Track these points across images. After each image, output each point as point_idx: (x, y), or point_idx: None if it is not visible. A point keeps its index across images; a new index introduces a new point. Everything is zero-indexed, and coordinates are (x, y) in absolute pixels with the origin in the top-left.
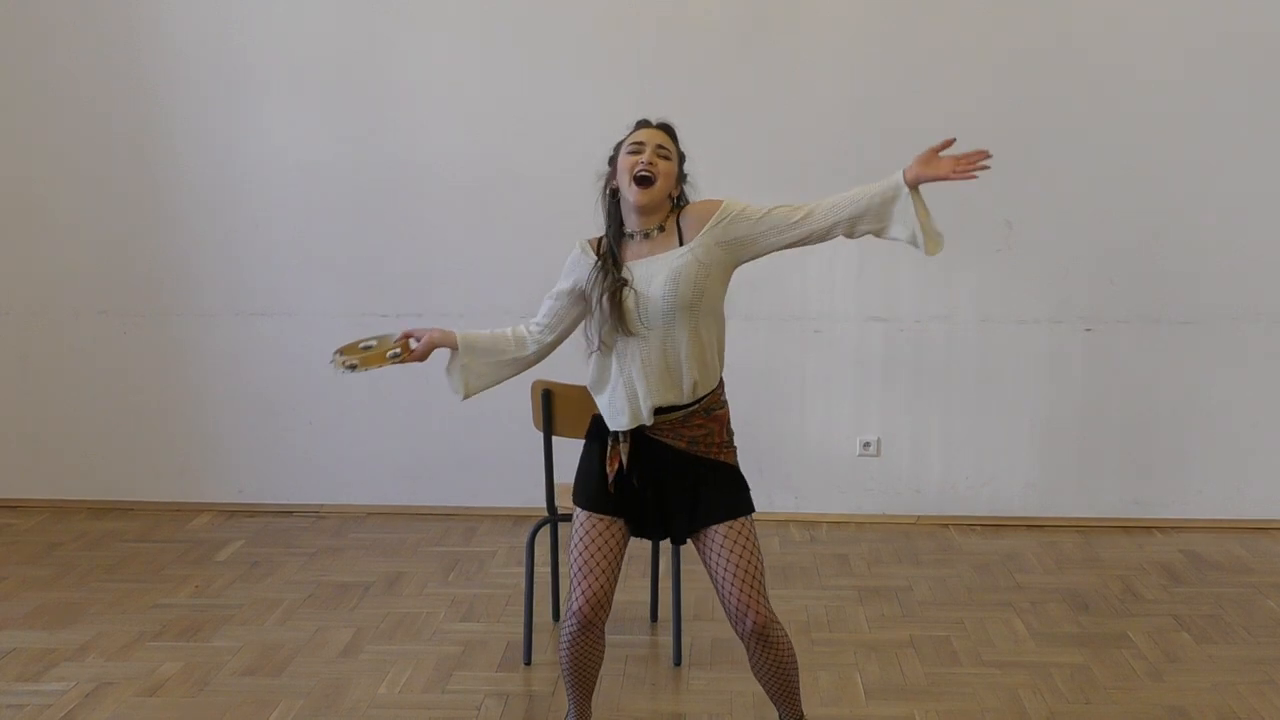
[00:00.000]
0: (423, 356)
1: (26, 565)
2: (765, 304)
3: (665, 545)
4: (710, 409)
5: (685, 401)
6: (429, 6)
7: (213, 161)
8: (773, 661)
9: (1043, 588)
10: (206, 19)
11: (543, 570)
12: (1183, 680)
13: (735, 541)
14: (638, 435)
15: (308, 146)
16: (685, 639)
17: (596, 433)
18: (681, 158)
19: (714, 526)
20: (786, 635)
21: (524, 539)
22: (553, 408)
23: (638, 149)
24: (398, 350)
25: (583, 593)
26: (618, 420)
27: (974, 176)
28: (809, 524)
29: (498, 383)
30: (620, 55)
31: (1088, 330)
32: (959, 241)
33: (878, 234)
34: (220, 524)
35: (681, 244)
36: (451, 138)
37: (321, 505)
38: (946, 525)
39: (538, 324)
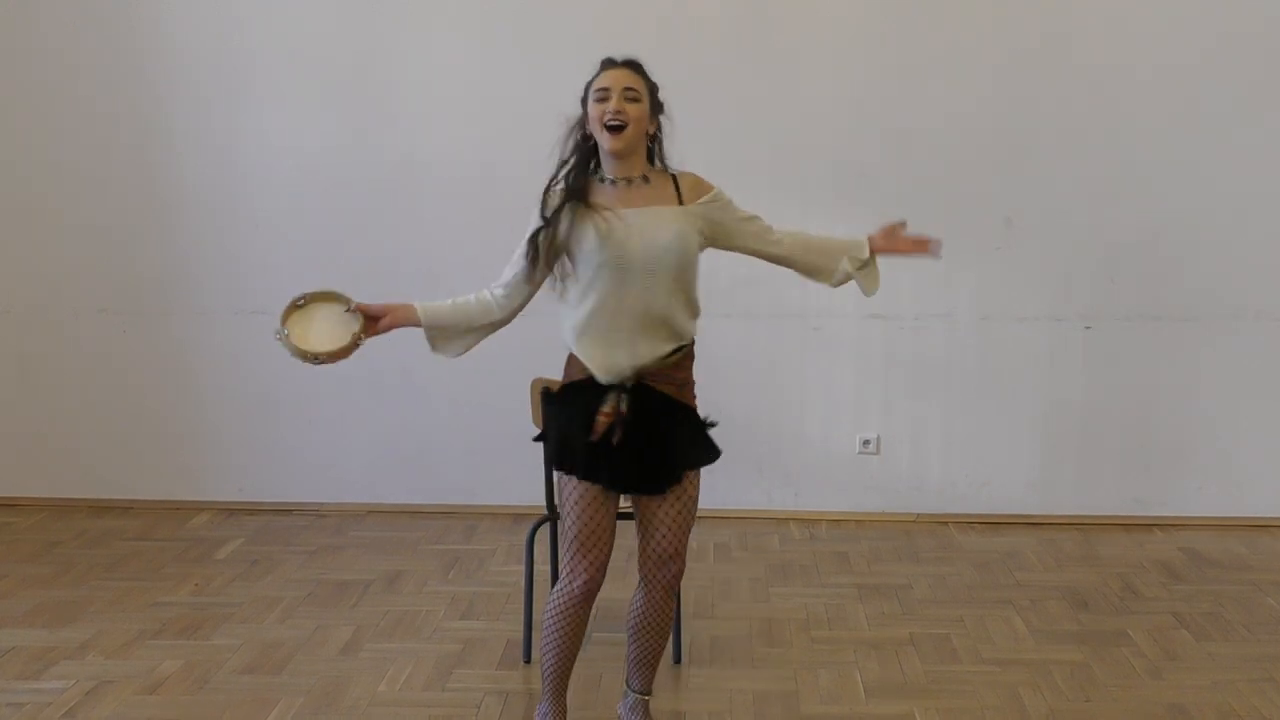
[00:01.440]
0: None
1: (26, 564)
2: (765, 302)
3: None
4: (690, 353)
5: (679, 344)
6: (429, 5)
7: (212, 160)
8: (667, 616)
9: (1042, 585)
10: (206, 18)
11: (542, 568)
12: (1182, 678)
13: (685, 490)
14: (635, 386)
15: (307, 145)
16: (685, 637)
17: (575, 391)
18: (653, 91)
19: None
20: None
21: (523, 537)
22: None
23: (603, 96)
24: (359, 335)
25: (588, 564)
26: (616, 370)
27: (933, 255)
28: (808, 522)
29: (468, 349)
30: (618, 52)
31: (1087, 328)
32: (958, 240)
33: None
34: (220, 522)
35: (681, 203)
36: (452, 136)
37: (321, 503)
38: (946, 523)
39: (503, 285)
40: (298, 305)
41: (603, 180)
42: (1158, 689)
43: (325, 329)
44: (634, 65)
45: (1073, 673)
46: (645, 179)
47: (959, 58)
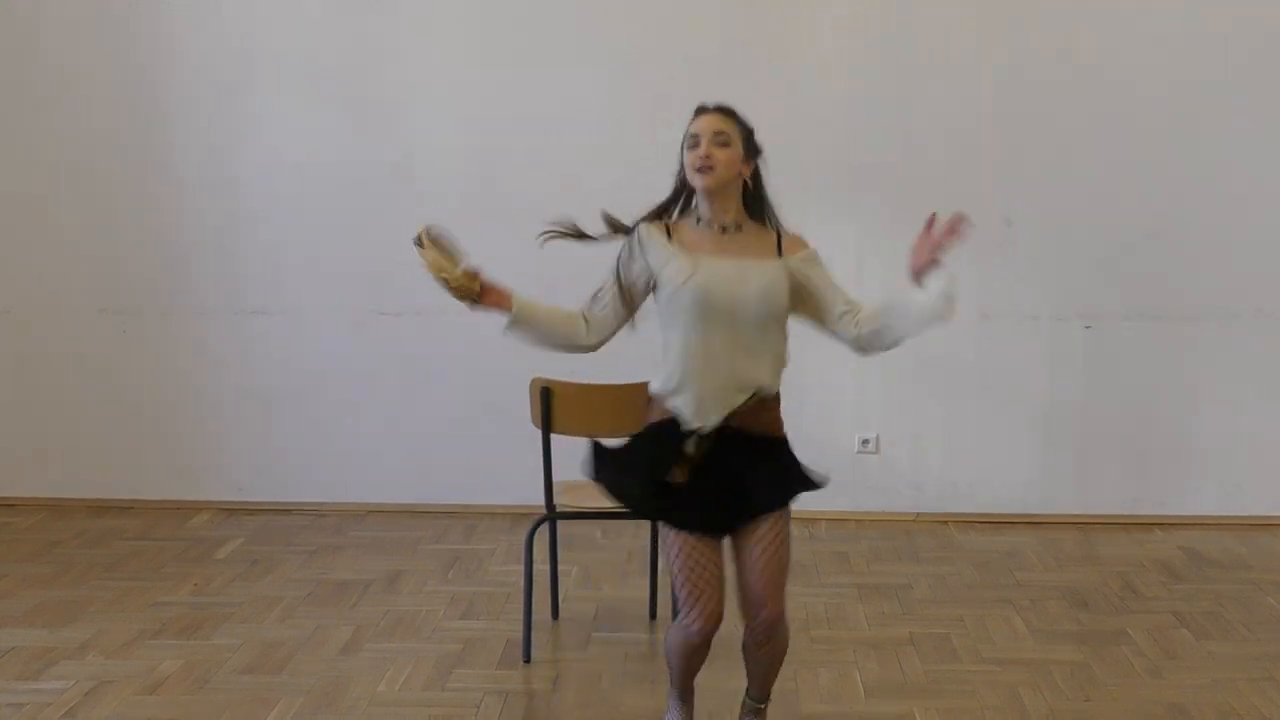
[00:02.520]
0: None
1: (26, 563)
2: None
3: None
4: (774, 399)
5: (753, 394)
6: (428, 5)
7: (211, 160)
8: (769, 654)
9: (1042, 585)
10: (204, 18)
11: (542, 568)
12: (1182, 677)
13: (775, 530)
14: (719, 429)
15: (306, 144)
16: None
17: (657, 438)
18: (747, 135)
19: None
20: (788, 633)
21: (523, 537)
22: (551, 405)
23: (694, 143)
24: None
25: (701, 613)
26: (703, 417)
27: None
28: (808, 521)
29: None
30: (618, 53)
31: (1087, 327)
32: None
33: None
34: (220, 522)
35: (780, 255)
36: (449, 135)
37: (321, 503)
38: (946, 522)
39: (598, 311)
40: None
41: (698, 223)
42: (1158, 688)
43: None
44: (725, 110)
45: (1073, 672)
46: (739, 227)
47: (959, 58)
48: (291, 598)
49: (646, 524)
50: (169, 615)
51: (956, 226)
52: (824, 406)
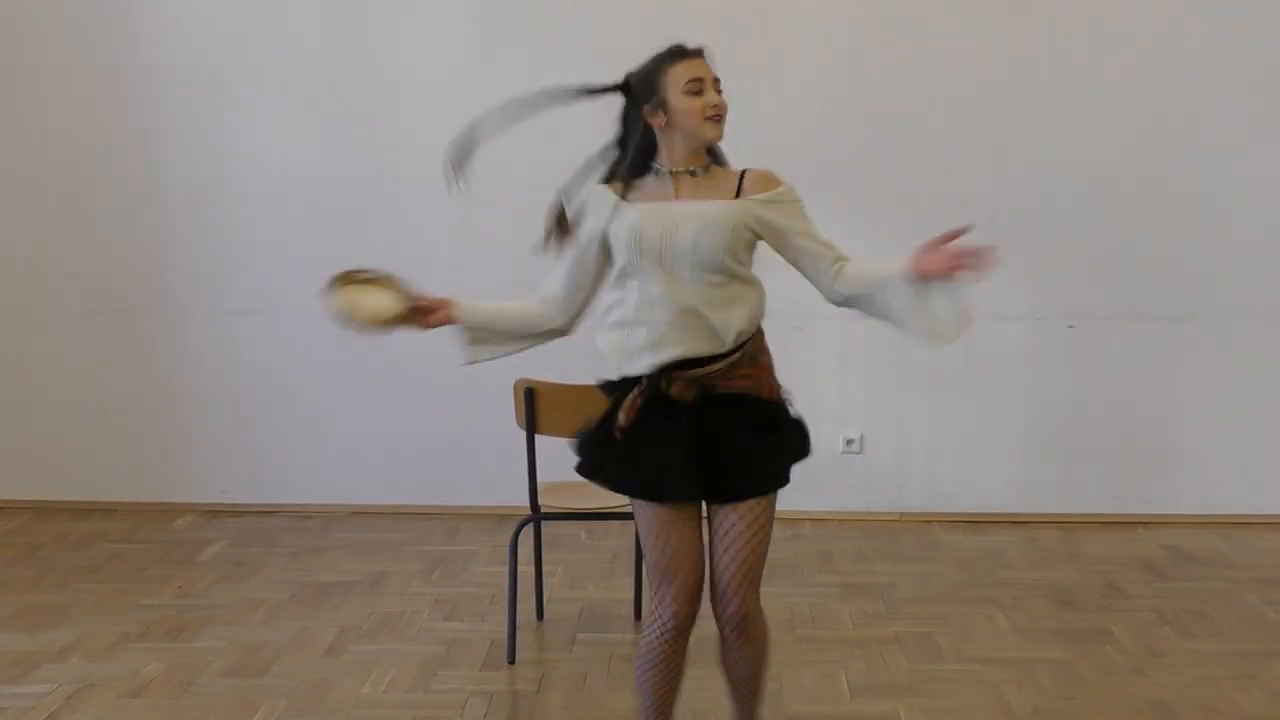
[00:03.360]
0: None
1: (8, 567)
2: None
3: None
4: (755, 356)
5: (724, 350)
6: (412, 5)
7: (195, 160)
8: (744, 655)
9: (1026, 584)
10: (186, 15)
11: (526, 569)
12: (1165, 675)
13: (755, 515)
14: (691, 382)
15: (290, 145)
16: None
17: (608, 391)
18: None
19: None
20: (766, 632)
21: (507, 538)
22: (535, 406)
23: (699, 88)
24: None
25: (673, 594)
26: (641, 365)
27: (974, 271)
28: (792, 521)
29: (514, 353)
30: (602, 52)
31: (1070, 327)
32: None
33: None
34: (203, 524)
35: (739, 196)
36: (434, 133)
37: (305, 505)
38: (929, 522)
39: (552, 290)
40: (356, 279)
41: (657, 172)
42: (1141, 686)
43: (373, 301)
44: (705, 54)
45: (1056, 670)
46: (706, 169)
47: (942, 53)
48: (275, 600)
49: (631, 524)
50: (152, 618)
51: (986, 260)
52: (808, 406)
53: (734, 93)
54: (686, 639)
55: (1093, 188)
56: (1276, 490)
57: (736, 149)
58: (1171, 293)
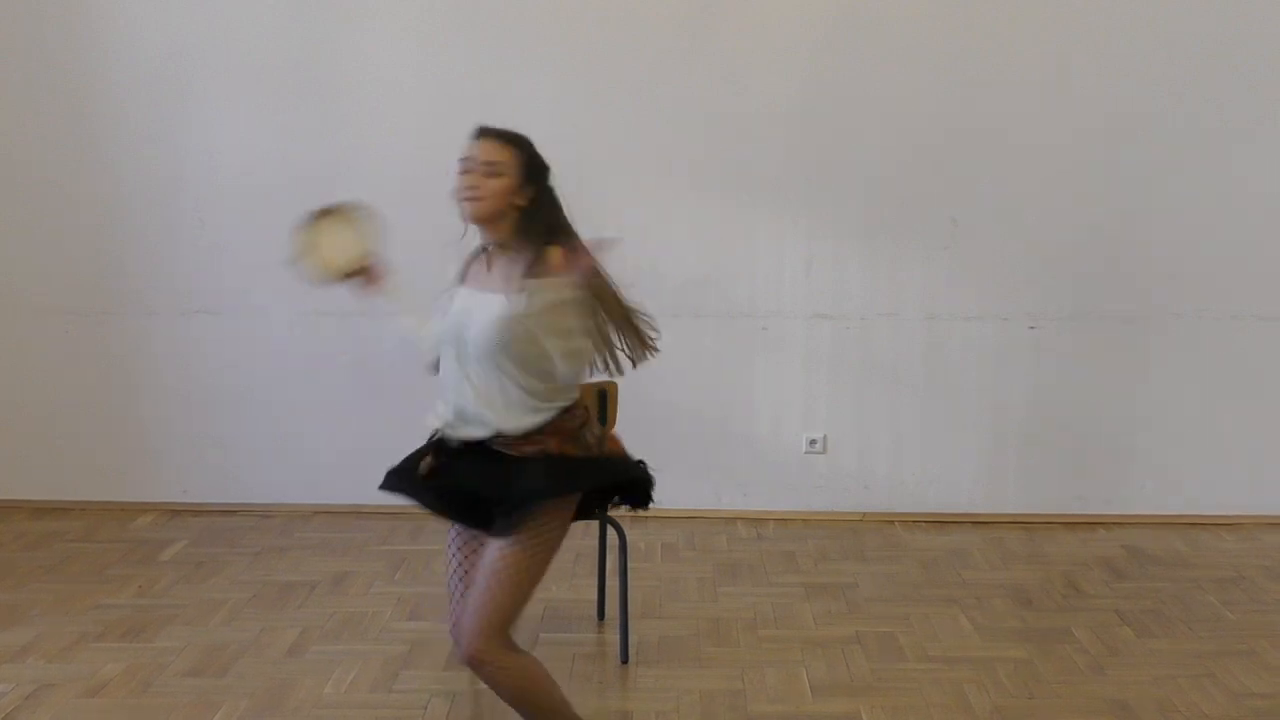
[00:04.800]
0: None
1: None
2: (713, 302)
3: (613, 542)
4: (554, 424)
5: (508, 435)
6: (376, 6)
7: (155, 158)
8: (503, 696)
9: (988, 583)
10: (148, 15)
11: None
12: (1124, 674)
13: (503, 561)
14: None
15: (253, 145)
16: (632, 637)
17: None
18: (526, 163)
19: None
20: (511, 678)
21: None
22: None
23: (464, 168)
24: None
25: (451, 618)
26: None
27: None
28: (756, 521)
29: None
30: (567, 54)
31: (1032, 328)
32: (905, 240)
33: None
34: (164, 524)
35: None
36: (398, 135)
37: (267, 504)
38: (893, 521)
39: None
40: (333, 215)
41: (486, 250)
42: (1100, 685)
43: (332, 247)
44: (506, 137)
45: (1017, 669)
46: (510, 250)
47: (903, 56)
48: (236, 600)
49: (594, 525)
50: (112, 618)
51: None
52: (772, 407)
53: (698, 94)
54: (479, 667)
55: (1054, 190)
56: (1235, 491)
57: (700, 151)
58: (1132, 294)
